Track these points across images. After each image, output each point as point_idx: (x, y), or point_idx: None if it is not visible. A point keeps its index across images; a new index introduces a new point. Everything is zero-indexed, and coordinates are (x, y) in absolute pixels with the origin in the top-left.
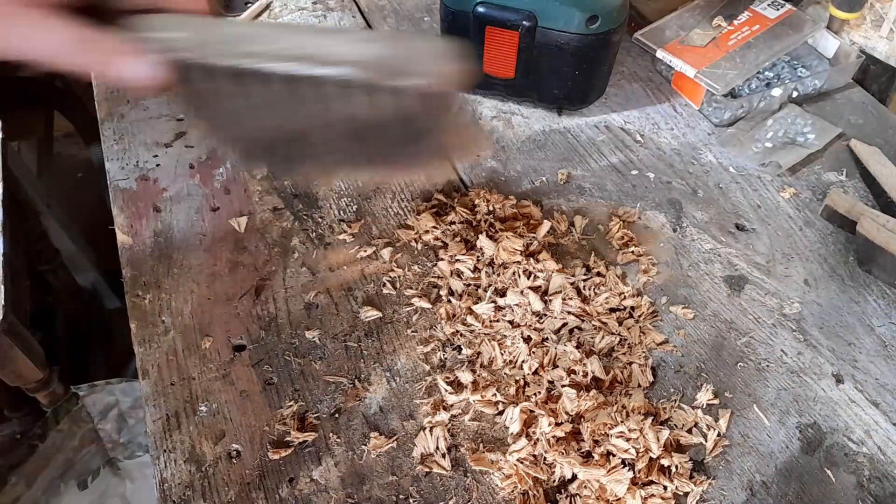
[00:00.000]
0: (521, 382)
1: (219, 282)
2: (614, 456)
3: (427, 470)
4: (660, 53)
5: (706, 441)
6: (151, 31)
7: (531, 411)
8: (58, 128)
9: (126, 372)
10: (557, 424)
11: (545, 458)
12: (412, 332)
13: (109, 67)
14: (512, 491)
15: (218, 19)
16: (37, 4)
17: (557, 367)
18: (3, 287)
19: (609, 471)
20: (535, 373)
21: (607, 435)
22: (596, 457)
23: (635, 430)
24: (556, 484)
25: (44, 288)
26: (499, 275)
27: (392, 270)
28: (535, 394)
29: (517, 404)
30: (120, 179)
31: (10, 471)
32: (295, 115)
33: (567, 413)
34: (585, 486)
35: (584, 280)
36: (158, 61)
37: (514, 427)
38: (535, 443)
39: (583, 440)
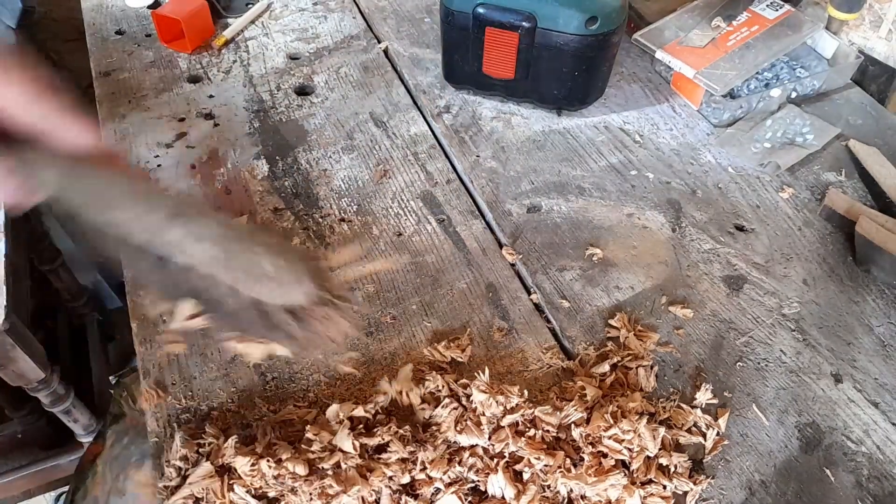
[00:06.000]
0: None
1: None
2: (606, 457)
3: None
4: (659, 54)
5: (705, 440)
6: (26, 164)
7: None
8: None
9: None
10: (548, 453)
11: (550, 487)
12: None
13: None
14: None
15: (89, 169)
16: None
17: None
18: (4, 288)
19: (601, 476)
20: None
21: (601, 438)
22: (588, 458)
23: (629, 430)
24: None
25: (45, 288)
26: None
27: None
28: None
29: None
30: None
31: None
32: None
33: (551, 426)
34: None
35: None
36: (28, 188)
37: (509, 492)
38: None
39: (578, 446)
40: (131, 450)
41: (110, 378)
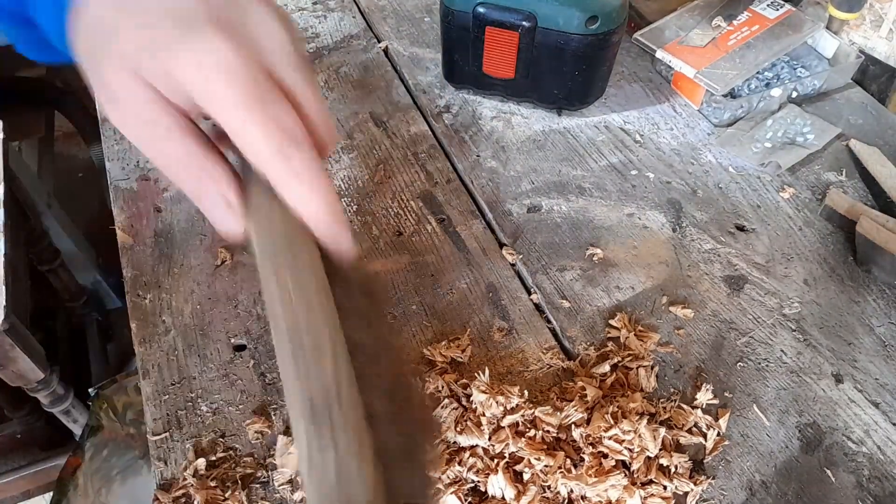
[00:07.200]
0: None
1: (219, 281)
2: (607, 458)
3: None
4: (659, 54)
5: (706, 441)
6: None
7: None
8: (58, 128)
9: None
10: (548, 453)
11: (550, 487)
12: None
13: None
14: None
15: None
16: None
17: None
18: (3, 288)
19: (601, 476)
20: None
21: (601, 438)
22: (588, 458)
23: (629, 431)
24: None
25: (44, 288)
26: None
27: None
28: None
29: (496, 472)
30: (120, 179)
31: None
32: None
33: (551, 427)
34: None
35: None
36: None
37: (509, 492)
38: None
39: (578, 446)
40: (112, 462)
41: (89, 391)
